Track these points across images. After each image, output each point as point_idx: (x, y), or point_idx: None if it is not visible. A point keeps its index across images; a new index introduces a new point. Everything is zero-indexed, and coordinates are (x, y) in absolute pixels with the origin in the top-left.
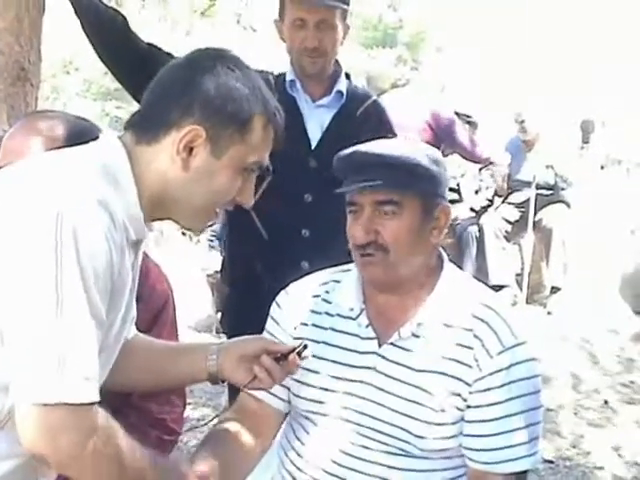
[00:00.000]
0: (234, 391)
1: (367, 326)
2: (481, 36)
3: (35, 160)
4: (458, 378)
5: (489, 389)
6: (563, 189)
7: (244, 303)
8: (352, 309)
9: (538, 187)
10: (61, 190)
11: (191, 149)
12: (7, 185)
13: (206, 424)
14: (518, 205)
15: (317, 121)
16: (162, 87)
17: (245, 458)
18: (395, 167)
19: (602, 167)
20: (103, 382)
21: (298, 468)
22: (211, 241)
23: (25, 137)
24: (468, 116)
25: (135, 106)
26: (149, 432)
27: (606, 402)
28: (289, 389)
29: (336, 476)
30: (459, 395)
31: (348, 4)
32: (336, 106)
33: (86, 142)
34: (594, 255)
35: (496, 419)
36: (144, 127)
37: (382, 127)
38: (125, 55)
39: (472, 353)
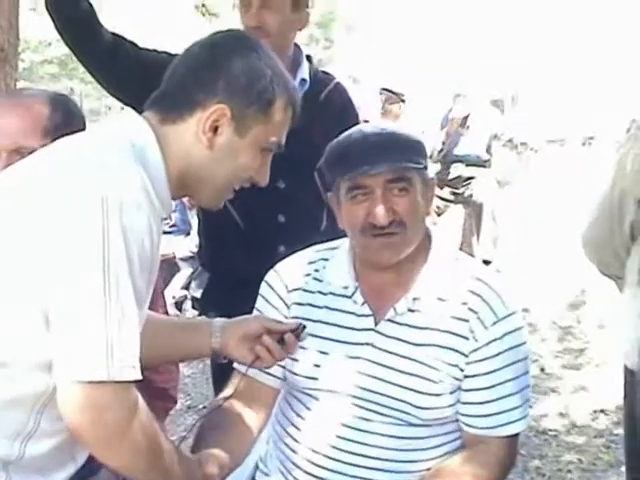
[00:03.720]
0: (218, 376)
1: (363, 304)
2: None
3: (67, 142)
4: (455, 350)
5: (485, 359)
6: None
7: (223, 286)
8: (346, 287)
9: (469, 163)
10: (102, 172)
11: (216, 128)
12: (45, 168)
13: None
14: (449, 181)
15: None
16: (186, 67)
17: (246, 438)
18: (400, 145)
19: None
20: None
21: (296, 441)
22: (170, 232)
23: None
24: (395, 92)
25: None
26: (155, 403)
27: (542, 370)
28: (284, 367)
29: (335, 447)
30: (456, 366)
31: None
32: (300, 93)
33: (70, 118)
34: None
35: (492, 386)
36: (169, 106)
37: (346, 109)
38: (91, 39)
39: (468, 325)
